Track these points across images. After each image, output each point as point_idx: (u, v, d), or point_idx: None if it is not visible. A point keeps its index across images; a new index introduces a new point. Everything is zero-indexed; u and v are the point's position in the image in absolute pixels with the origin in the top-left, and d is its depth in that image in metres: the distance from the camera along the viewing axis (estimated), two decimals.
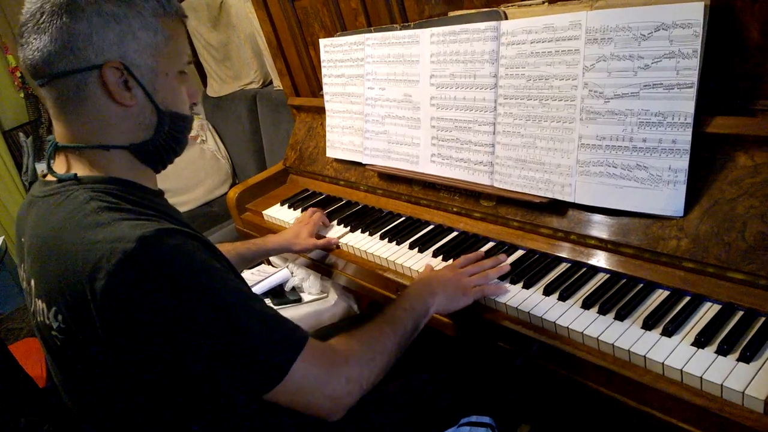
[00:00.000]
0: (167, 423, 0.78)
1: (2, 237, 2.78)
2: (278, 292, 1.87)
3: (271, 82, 2.68)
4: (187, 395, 0.76)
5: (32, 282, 0.80)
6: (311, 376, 0.77)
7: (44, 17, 0.75)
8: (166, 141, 0.86)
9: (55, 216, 0.77)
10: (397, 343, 0.91)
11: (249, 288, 0.84)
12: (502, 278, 1.11)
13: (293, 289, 1.88)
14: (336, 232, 1.49)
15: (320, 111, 1.75)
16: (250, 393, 0.75)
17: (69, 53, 0.76)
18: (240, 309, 0.74)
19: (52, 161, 0.85)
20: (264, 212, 1.73)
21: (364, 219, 1.50)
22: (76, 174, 0.80)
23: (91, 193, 0.77)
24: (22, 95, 3.61)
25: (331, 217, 1.55)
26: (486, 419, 0.96)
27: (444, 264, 1.22)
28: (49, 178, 0.83)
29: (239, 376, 0.73)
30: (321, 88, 1.72)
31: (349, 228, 1.48)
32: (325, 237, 1.46)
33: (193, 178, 2.92)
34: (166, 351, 0.71)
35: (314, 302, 1.84)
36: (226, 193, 2.88)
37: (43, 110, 3.59)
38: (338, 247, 1.45)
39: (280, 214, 1.69)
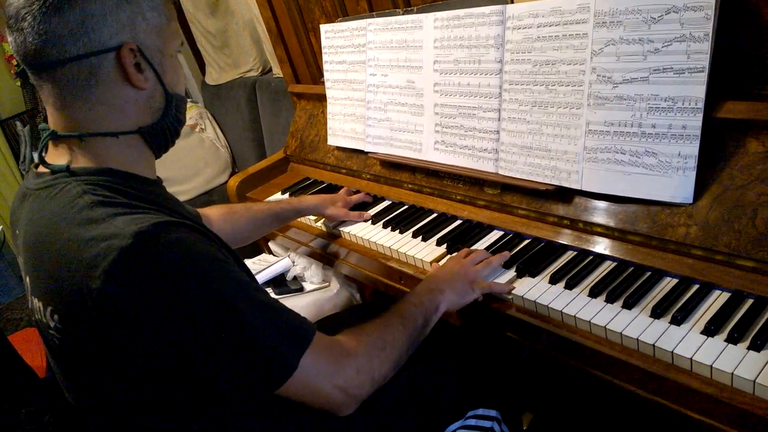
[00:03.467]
0: (169, 421, 0.76)
1: (1, 227, 2.76)
2: (280, 282, 1.86)
3: (270, 70, 2.65)
4: (190, 394, 0.74)
5: (28, 280, 0.78)
6: (320, 368, 0.76)
7: None
8: (172, 123, 0.85)
9: (47, 211, 0.75)
10: (408, 336, 0.89)
11: (254, 279, 0.82)
12: (507, 265, 1.10)
13: (295, 278, 1.87)
14: (362, 226, 1.43)
15: (321, 98, 1.73)
16: (258, 389, 0.73)
17: (83, 36, 0.73)
18: (245, 303, 0.72)
19: (44, 152, 0.81)
20: (265, 201, 1.72)
21: (366, 208, 1.48)
22: (68, 165, 0.77)
23: (84, 186, 0.74)
24: (18, 84, 3.57)
25: None
26: (492, 412, 0.95)
27: (448, 254, 1.20)
28: (42, 169, 0.80)
29: (247, 372, 0.71)
30: (322, 75, 1.70)
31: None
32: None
33: (192, 167, 2.90)
34: (168, 351, 0.69)
35: (316, 291, 1.83)
36: (225, 182, 2.86)
37: (40, 99, 3.55)
38: (370, 219, 1.42)
39: None
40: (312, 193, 1.64)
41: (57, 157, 0.80)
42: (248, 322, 0.71)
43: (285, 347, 0.73)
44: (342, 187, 1.59)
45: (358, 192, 1.55)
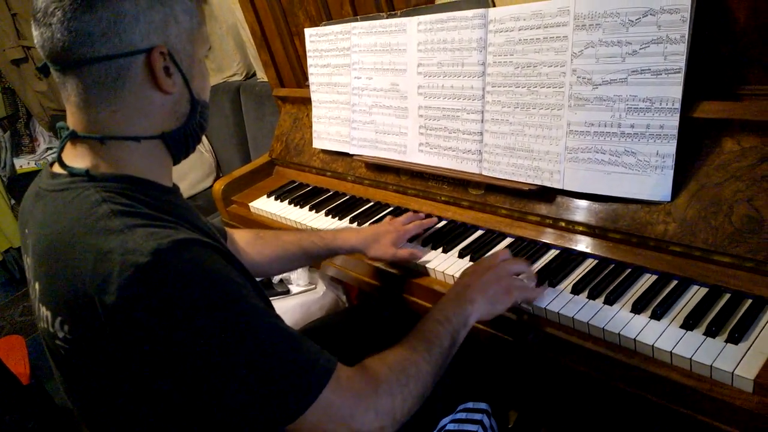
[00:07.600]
0: None
1: None
2: (266, 284, 1.86)
3: (254, 75, 2.65)
4: (197, 416, 0.72)
5: (37, 286, 0.76)
6: (337, 407, 0.70)
7: None
8: (195, 129, 0.83)
9: (63, 216, 0.73)
10: (434, 364, 0.82)
11: (270, 305, 0.80)
12: None
13: (281, 280, 1.87)
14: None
15: (306, 102, 1.74)
16: (269, 422, 0.69)
17: (114, 36, 0.71)
18: (261, 329, 0.69)
19: (61, 151, 0.79)
20: (251, 204, 1.72)
21: (351, 210, 1.49)
22: (88, 170, 0.75)
23: (104, 194, 0.72)
24: None
25: (318, 208, 1.54)
26: (482, 405, 0.96)
27: (436, 254, 1.21)
28: (57, 169, 0.78)
29: (259, 403, 0.68)
30: (306, 79, 1.70)
31: (337, 218, 1.47)
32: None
33: (176, 171, 2.82)
34: (178, 372, 0.67)
35: (302, 294, 1.84)
36: (210, 187, 2.84)
37: (20, 104, 3.51)
38: (422, 266, 1.18)
39: (267, 206, 1.67)
40: (301, 196, 1.64)
41: (74, 158, 0.77)
42: (263, 349, 0.68)
43: (301, 379, 0.69)
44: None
45: (418, 216, 1.28)
